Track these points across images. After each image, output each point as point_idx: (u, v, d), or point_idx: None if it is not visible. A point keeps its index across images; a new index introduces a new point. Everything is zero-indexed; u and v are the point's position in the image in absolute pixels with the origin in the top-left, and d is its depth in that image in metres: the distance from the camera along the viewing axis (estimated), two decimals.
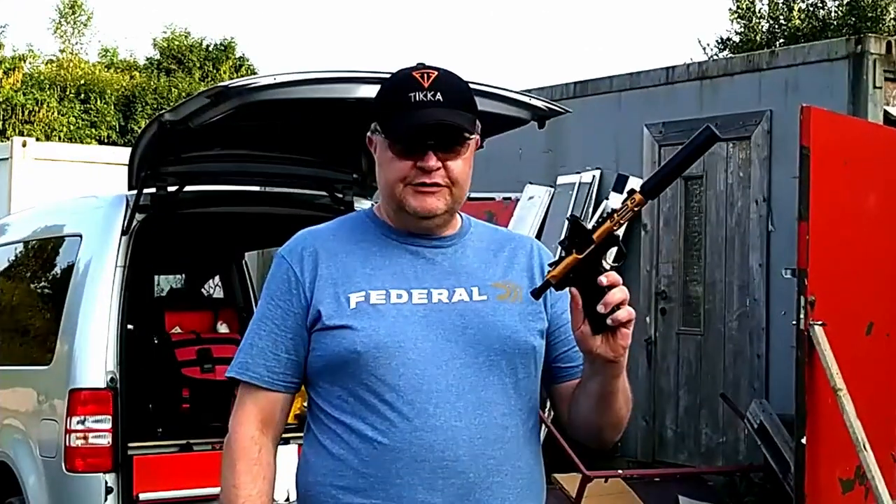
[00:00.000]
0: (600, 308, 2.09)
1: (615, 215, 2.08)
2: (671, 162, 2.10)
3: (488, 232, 2.42)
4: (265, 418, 2.34)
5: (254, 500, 2.30)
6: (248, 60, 30.32)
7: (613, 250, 2.12)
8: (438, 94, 2.25)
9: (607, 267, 2.08)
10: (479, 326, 2.27)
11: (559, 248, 2.17)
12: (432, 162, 2.25)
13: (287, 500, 5.60)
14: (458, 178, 2.28)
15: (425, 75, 2.26)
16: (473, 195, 8.88)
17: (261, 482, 2.31)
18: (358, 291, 2.26)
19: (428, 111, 2.24)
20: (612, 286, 2.08)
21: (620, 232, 2.12)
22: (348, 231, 2.36)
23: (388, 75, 2.39)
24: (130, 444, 5.37)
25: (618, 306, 2.09)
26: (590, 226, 2.03)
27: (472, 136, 2.30)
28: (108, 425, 5.23)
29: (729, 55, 20.86)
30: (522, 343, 2.30)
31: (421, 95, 2.24)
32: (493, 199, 9.07)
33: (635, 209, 2.07)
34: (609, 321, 2.09)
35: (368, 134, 2.36)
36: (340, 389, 2.25)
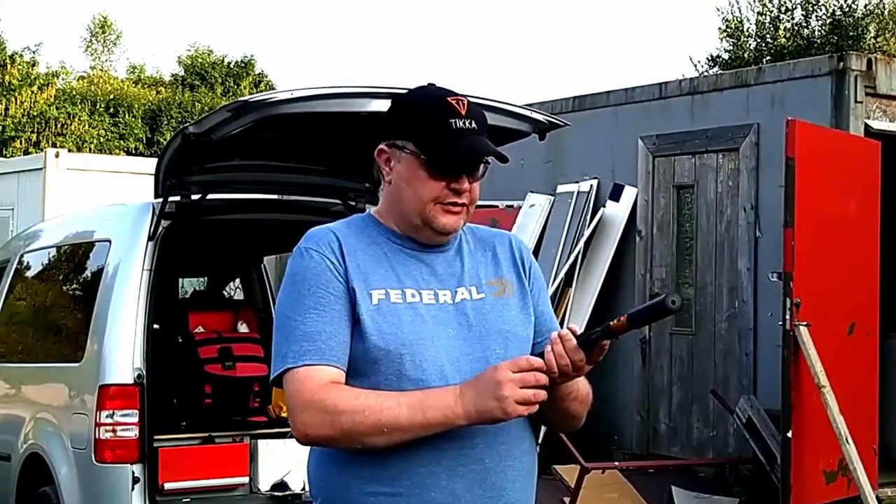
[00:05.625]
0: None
1: (616, 322, 2.17)
2: (649, 313, 2.17)
3: (472, 232, 2.43)
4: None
5: (383, 395, 2.16)
6: (266, 76, 30.34)
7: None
8: (473, 121, 2.28)
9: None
10: (483, 323, 2.29)
11: (598, 331, 2.23)
12: (466, 184, 2.29)
13: (303, 489, 5.60)
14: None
15: (460, 102, 2.28)
16: (478, 203, 8.86)
17: (368, 392, 2.18)
18: (378, 289, 2.26)
19: (471, 140, 2.26)
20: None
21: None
22: (358, 232, 2.34)
23: (412, 94, 2.36)
24: (156, 437, 5.37)
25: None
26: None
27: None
28: (136, 419, 5.23)
29: (719, 71, 20.84)
30: (520, 335, 2.32)
31: (461, 123, 2.26)
32: (496, 206, 9.06)
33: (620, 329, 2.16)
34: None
35: (383, 146, 2.33)
36: (361, 384, 2.22)
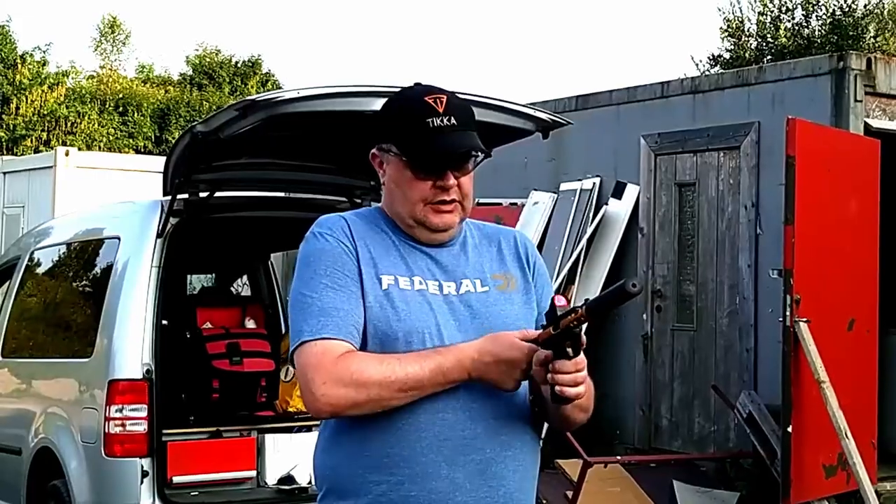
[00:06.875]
0: (549, 378, 2.16)
1: (570, 315, 2.11)
2: (609, 299, 2.11)
3: (477, 228, 2.43)
4: None
5: (404, 360, 2.17)
6: (273, 76, 30.33)
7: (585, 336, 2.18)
8: (452, 118, 2.26)
9: (570, 353, 2.14)
10: (486, 316, 2.29)
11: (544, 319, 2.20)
12: (451, 181, 2.28)
13: (309, 482, 5.61)
14: (467, 192, 2.31)
15: (437, 100, 2.27)
16: (482, 201, 8.90)
17: (389, 358, 2.18)
18: (388, 274, 2.27)
19: (448, 137, 2.25)
20: (559, 371, 2.14)
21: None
22: (367, 221, 2.35)
23: (395, 96, 2.37)
24: (165, 431, 5.37)
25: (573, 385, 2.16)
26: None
27: (480, 154, 2.31)
28: (144, 413, 5.24)
29: (720, 71, 20.81)
30: (523, 329, 2.30)
31: (438, 121, 2.25)
32: (500, 204, 9.07)
33: (581, 319, 2.10)
34: (557, 391, 2.16)
35: (374, 151, 2.35)
36: None
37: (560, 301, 2.17)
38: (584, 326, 2.13)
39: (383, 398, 2.17)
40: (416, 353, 2.19)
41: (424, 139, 2.25)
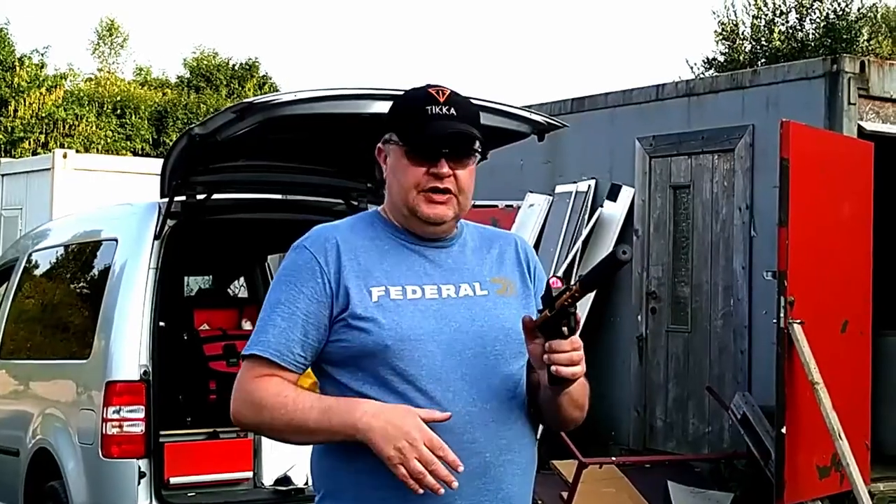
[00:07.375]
0: (545, 359, 2.17)
1: (564, 294, 2.13)
2: (600, 270, 2.14)
3: (477, 231, 2.44)
4: None
5: (302, 395, 2.21)
6: (270, 79, 30.34)
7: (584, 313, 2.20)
8: (452, 108, 2.28)
9: (566, 332, 2.15)
10: (485, 319, 2.29)
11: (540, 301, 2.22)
12: (445, 168, 2.27)
13: (306, 483, 5.60)
14: (464, 187, 2.30)
15: (440, 92, 2.30)
16: (478, 203, 8.87)
17: (290, 391, 2.21)
18: (378, 286, 2.26)
19: (444, 123, 2.27)
20: (555, 351, 2.15)
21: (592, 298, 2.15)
22: (362, 229, 2.35)
23: (401, 92, 2.41)
24: (162, 432, 5.37)
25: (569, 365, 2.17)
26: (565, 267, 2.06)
27: (479, 149, 2.32)
28: (142, 415, 5.23)
29: (714, 74, 20.83)
30: (520, 333, 2.29)
31: (437, 109, 2.28)
32: (496, 206, 9.06)
33: (576, 295, 2.12)
34: (553, 371, 2.17)
35: (379, 145, 2.36)
36: (361, 379, 2.23)
37: (556, 283, 2.17)
38: (587, 297, 2.15)
39: (274, 428, 2.22)
40: (325, 396, 2.22)
41: (421, 124, 2.27)
